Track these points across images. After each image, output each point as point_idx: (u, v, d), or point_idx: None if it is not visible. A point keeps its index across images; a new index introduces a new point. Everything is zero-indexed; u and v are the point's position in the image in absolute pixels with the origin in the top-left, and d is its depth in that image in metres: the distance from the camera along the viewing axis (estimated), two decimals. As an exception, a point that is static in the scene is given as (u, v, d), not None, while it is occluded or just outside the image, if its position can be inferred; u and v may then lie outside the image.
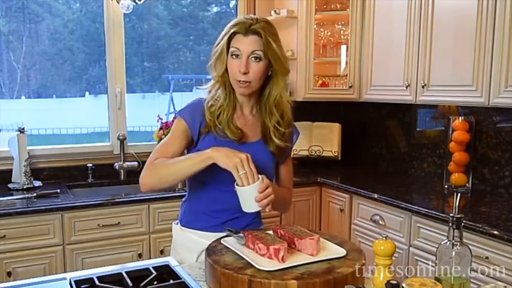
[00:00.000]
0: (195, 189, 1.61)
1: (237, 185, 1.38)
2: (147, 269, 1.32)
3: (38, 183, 2.75)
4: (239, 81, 1.47)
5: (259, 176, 1.38)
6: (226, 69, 1.50)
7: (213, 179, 1.53)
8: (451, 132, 2.68)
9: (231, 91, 1.52)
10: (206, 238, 1.51)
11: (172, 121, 3.14)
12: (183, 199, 1.69)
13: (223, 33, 1.51)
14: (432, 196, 2.61)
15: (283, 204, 1.74)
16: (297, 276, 1.16)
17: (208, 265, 1.28)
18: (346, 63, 3.16)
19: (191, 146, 1.55)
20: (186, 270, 1.35)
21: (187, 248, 1.58)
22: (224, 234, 1.46)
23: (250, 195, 1.37)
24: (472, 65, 2.31)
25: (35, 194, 2.53)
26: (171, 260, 1.41)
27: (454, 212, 1.12)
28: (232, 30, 1.46)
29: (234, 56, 1.47)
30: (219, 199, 1.56)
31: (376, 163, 3.43)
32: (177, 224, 1.67)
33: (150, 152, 3.42)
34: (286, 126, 1.57)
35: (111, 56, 3.08)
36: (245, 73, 1.45)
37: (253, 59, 1.45)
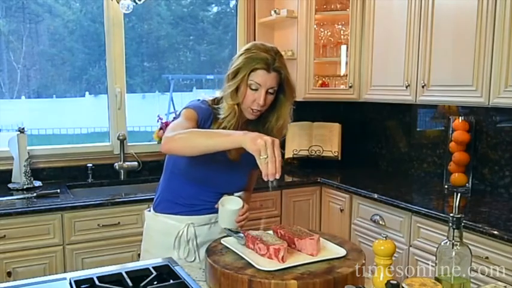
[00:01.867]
0: (175, 183, 1.69)
1: (221, 204, 1.57)
2: (147, 269, 1.32)
3: (38, 183, 2.75)
4: (252, 109, 1.56)
5: (239, 200, 1.59)
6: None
7: (197, 178, 1.64)
8: (451, 132, 2.68)
9: (239, 113, 1.58)
10: (180, 221, 1.66)
11: (174, 119, 3.15)
12: (158, 189, 1.77)
13: (240, 63, 1.54)
14: (432, 196, 2.61)
15: None
16: (297, 276, 1.17)
17: (208, 265, 1.28)
18: (346, 63, 3.16)
19: None
20: (186, 271, 1.35)
21: (164, 233, 1.69)
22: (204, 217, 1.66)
23: (231, 216, 1.58)
24: (472, 65, 2.30)
25: (35, 194, 2.53)
26: (171, 260, 1.41)
27: (454, 212, 1.13)
28: (255, 66, 1.51)
29: (252, 88, 1.53)
30: (197, 195, 1.66)
31: (376, 163, 3.43)
32: (150, 211, 1.78)
33: (150, 152, 3.42)
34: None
35: (111, 56, 3.08)
36: (263, 106, 1.55)
37: (269, 91, 1.54)
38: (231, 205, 1.61)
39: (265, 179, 1.25)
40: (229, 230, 1.49)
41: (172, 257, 1.51)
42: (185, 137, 1.40)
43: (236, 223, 1.59)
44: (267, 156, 1.22)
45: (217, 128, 1.57)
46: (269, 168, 1.22)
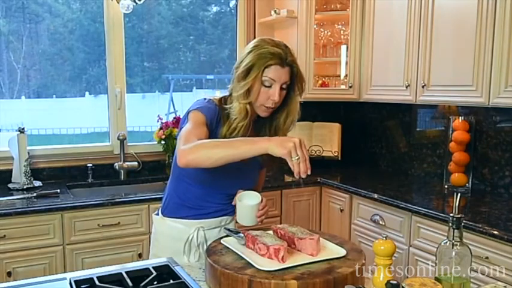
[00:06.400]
0: (183, 185, 1.65)
1: (238, 200, 1.48)
2: (147, 269, 1.32)
3: (38, 183, 2.75)
4: (266, 106, 1.52)
5: (257, 194, 1.50)
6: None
7: (205, 180, 1.59)
8: (451, 132, 2.68)
9: (250, 112, 1.53)
10: (190, 225, 1.63)
11: (176, 119, 3.14)
12: (165, 191, 1.73)
13: (252, 60, 1.48)
14: (432, 196, 2.61)
15: None
16: (297, 276, 1.17)
17: (208, 265, 1.28)
18: (346, 63, 3.16)
19: None
20: (186, 271, 1.35)
21: (173, 237, 1.65)
22: (209, 220, 1.63)
23: (251, 211, 1.49)
24: (472, 65, 2.30)
25: (35, 194, 2.53)
26: (171, 260, 1.41)
27: (454, 212, 1.12)
28: (268, 62, 1.47)
29: (266, 84, 1.49)
30: (205, 196, 1.63)
31: (376, 163, 3.43)
32: (158, 214, 1.73)
33: (150, 152, 3.41)
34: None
35: (111, 56, 3.08)
36: (278, 102, 1.51)
37: (282, 87, 1.51)
38: (249, 200, 1.51)
39: (297, 177, 1.29)
40: (229, 230, 1.49)
41: (183, 262, 1.51)
42: (206, 149, 1.34)
43: (257, 218, 1.51)
44: (299, 157, 1.25)
45: (228, 129, 1.52)
46: (301, 167, 1.26)
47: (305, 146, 1.29)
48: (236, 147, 1.34)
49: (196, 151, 1.34)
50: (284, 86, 1.51)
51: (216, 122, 1.54)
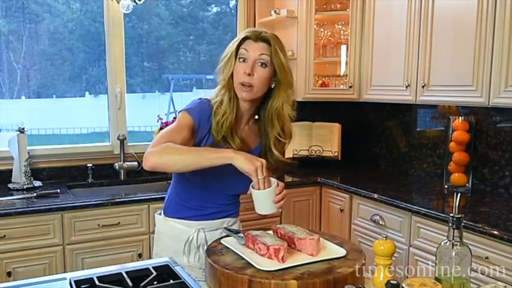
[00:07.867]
0: (183, 185, 1.65)
1: (253, 187, 1.43)
2: (147, 269, 1.32)
3: (38, 183, 2.75)
4: (242, 84, 1.51)
5: (273, 179, 1.45)
6: (232, 75, 1.55)
7: (205, 180, 1.59)
8: (451, 132, 2.68)
9: (234, 97, 1.55)
10: (190, 226, 1.63)
11: (174, 118, 3.15)
12: (168, 191, 1.73)
13: (231, 42, 1.57)
14: (432, 196, 2.61)
15: None
16: (297, 276, 1.17)
17: (208, 265, 1.28)
18: (346, 63, 3.16)
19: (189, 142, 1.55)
20: (186, 271, 1.35)
21: (173, 237, 1.65)
22: (209, 223, 1.63)
23: (268, 198, 1.43)
24: (472, 65, 2.30)
25: (35, 194, 2.53)
26: (171, 260, 1.41)
27: (454, 212, 1.12)
28: (243, 36, 1.53)
29: (241, 60, 1.52)
30: (206, 197, 1.63)
31: (376, 163, 3.43)
32: (160, 214, 1.73)
33: (150, 152, 3.36)
34: (286, 138, 1.64)
35: (111, 56, 3.08)
36: (249, 74, 1.50)
37: (259, 64, 1.51)
38: None
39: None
40: (229, 230, 1.49)
41: (183, 262, 1.50)
42: (171, 155, 1.38)
43: (275, 204, 1.42)
44: (264, 176, 1.34)
45: (216, 117, 1.54)
46: (264, 185, 1.36)
47: (266, 168, 1.37)
48: (201, 155, 1.40)
49: (162, 156, 1.38)
50: (261, 62, 1.51)
51: (207, 122, 1.55)
